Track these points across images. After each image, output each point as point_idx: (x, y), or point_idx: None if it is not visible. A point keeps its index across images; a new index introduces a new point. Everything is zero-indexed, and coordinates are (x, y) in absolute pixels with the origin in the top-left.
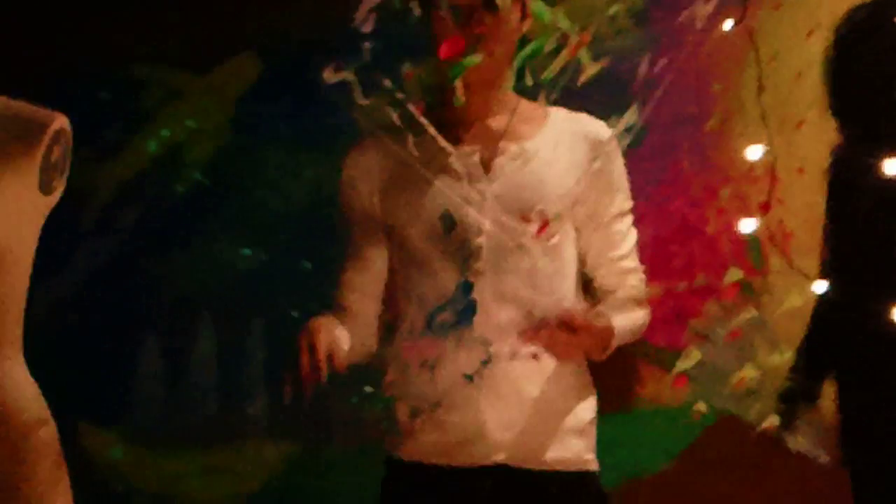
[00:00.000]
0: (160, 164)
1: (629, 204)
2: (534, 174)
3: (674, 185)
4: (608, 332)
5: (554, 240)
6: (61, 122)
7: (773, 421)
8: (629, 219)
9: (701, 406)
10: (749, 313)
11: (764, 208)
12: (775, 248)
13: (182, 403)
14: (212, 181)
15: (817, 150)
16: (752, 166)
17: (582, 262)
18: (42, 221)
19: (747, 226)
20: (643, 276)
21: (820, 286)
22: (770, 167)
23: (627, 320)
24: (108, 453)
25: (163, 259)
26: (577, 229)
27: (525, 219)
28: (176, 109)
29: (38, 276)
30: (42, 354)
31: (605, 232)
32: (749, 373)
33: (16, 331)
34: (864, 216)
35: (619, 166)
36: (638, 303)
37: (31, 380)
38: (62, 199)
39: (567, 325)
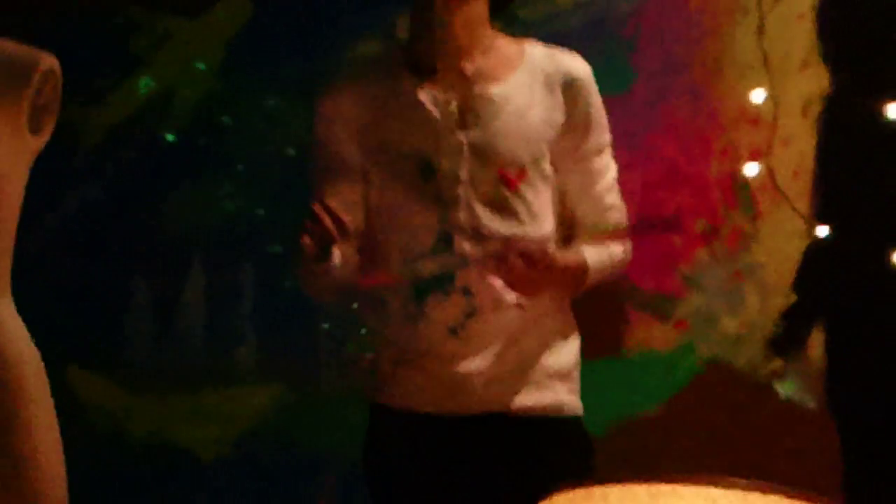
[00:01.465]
0: (150, 108)
1: (608, 139)
2: (510, 120)
3: (665, 132)
4: (581, 267)
5: (532, 185)
6: (51, 62)
7: (761, 366)
8: (608, 154)
9: (686, 349)
10: (739, 258)
11: (759, 154)
12: (776, 192)
13: (171, 347)
14: (202, 125)
15: (815, 94)
16: (745, 111)
17: (562, 199)
18: (31, 162)
19: (748, 170)
20: (624, 211)
21: (825, 231)
22: (766, 111)
23: (604, 255)
24: (96, 396)
25: (152, 202)
26: (555, 167)
27: (503, 165)
28: (166, 53)
29: (27, 217)
30: (31, 297)
31: (583, 168)
32: (739, 319)
33: (5, 272)
34: (856, 161)
35: (596, 102)
36: (618, 238)
37: (20, 321)
38: (52, 140)
39: (528, 259)
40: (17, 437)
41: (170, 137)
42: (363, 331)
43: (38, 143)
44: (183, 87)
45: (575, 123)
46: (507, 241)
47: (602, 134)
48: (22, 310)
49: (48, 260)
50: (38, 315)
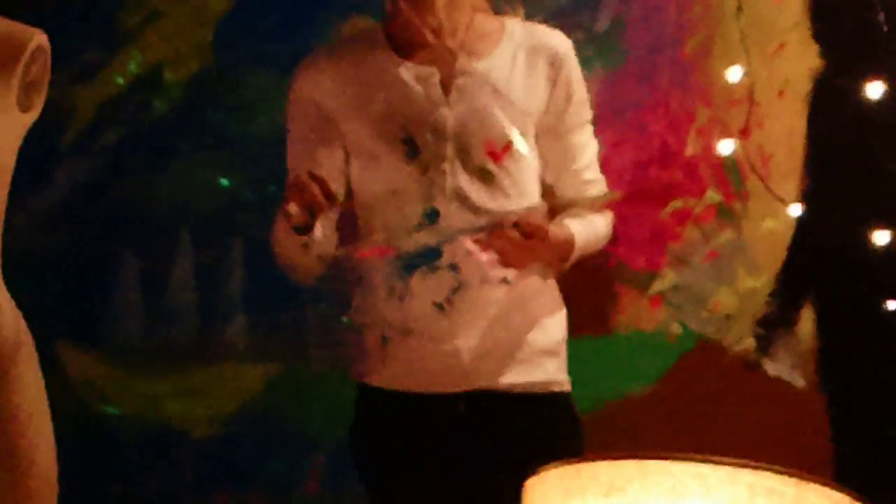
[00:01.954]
0: (140, 85)
1: (589, 115)
2: (493, 96)
3: (654, 110)
4: (568, 241)
5: (517, 159)
6: (40, 39)
7: (749, 345)
8: (589, 130)
9: (675, 328)
10: (727, 235)
11: (744, 133)
12: (754, 172)
13: (161, 324)
14: (192, 102)
15: (798, 74)
16: (731, 90)
17: (542, 173)
18: (20, 139)
19: (726, 148)
20: (604, 186)
21: (798, 210)
22: (749, 90)
23: (589, 229)
24: (86, 373)
25: (142, 180)
26: (537, 140)
27: (487, 139)
28: (156, 30)
29: (16, 195)
30: (20, 274)
31: (564, 144)
32: (727, 297)
33: None
34: (844, 141)
35: (577, 77)
36: (599, 213)
37: (9, 297)
38: (41, 118)
39: (520, 229)
40: (5, 414)
41: (160, 110)
42: (350, 310)
43: (27, 119)
44: (172, 65)
45: (557, 98)
46: (500, 214)
47: (583, 109)
48: (11, 286)
49: (38, 237)
50: (27, 291)
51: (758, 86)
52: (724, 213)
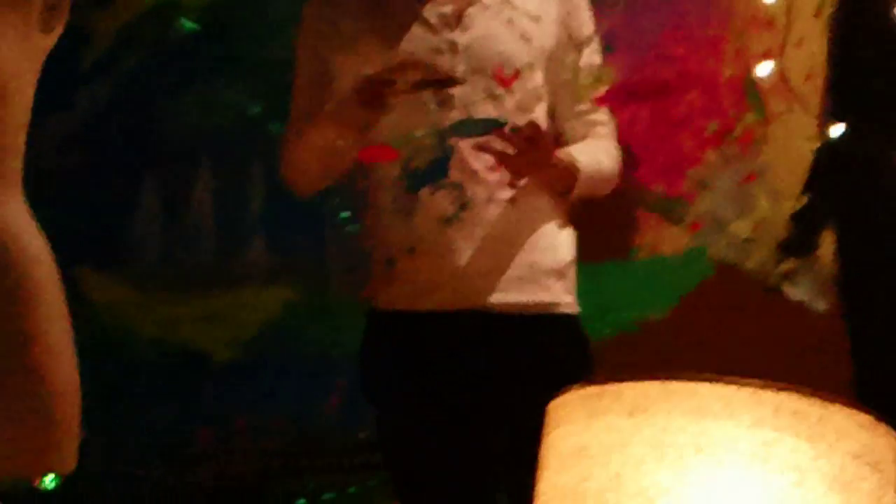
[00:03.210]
0: (160, 8)
1: (598, 59)
2: (505, 24)
3: (676, 33)
4: (571, 167)
5: (526, 88)
6: None
7: (770, 269)
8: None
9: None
10: (751, 160)
11: (767, 56)
12: (781, 94)
13: (181, 248)
14: (213, 25)
15: None
16: (756, 13)
17: (551, 114)
18: (41, 61)
19: (761, 70)
20: (613, 127)
21: (824, 132)
22: (783, 13)
23: (594, 163)
24: (106, 296)
25: (162, 103)
26: (546, 76)
27: (496, 69)
28: None
29: (37, 118)
30: (40, 197)
31: (591, 73)
32: (748, 222)
33: (16, 170)
34: (868, 61)
35: (586, 18)
36: (607, 154)
37: (32, 220)
38: (61, 41)
39: (522, 135)
40: (31, 340)
41: (188, 26)
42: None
43: (48, 42)
44: None
45: (568, 37)
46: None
47: (593, 52)
48: (31, 210)
49: (58, 160)
50: (48, 216)
51: (789, 7)
52: (747, 138)
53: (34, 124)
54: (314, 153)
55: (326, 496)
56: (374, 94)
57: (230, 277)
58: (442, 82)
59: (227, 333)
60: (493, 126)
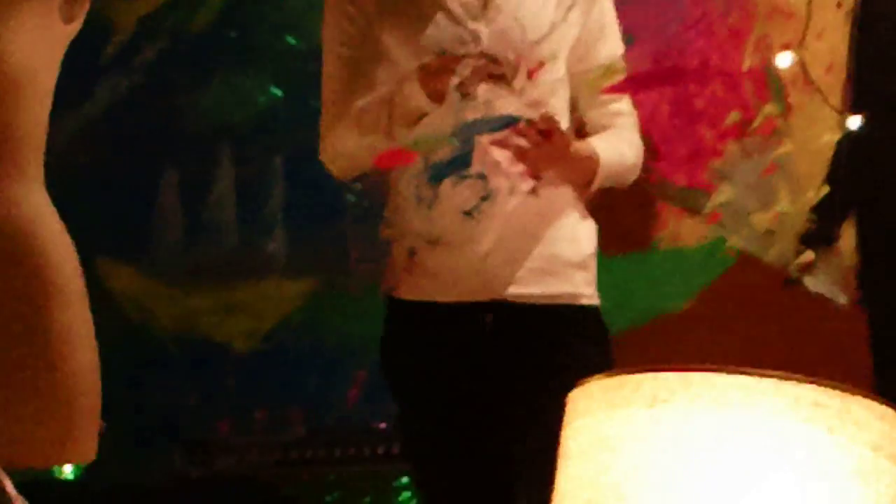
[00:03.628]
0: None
1: (621, 49)
2: (529, 14)
3: (697, 25)
4: (591, 158)
5: (549, 78)
6: None
7: (790, 261)
8: (621, 63)
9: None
10: (772, 151)
11: (788, 47)
12: (802, 85)
13: (202, 239)
14: (233, 16)
15: None
16: (777, 3)
17: (573, 105)
18: (63, 51)
19: (781, 61)
20: (635, 117)
21: (857, 122)
22: (804, 3)
23: (615, 154)
24: (127, 288)
25: (183, 94)
26: (569, 73)
27: (518, 58)
28: None
29: (58, 108)
30: (61, 188)
31: (602, 67)
32: (768, 214)
33: (38, 161)
34: (889, 52)
35: (609, 9)
36: (628, 144)
37: (54, 211)
38: (82, 31)
39: (538, 129)
40: (52, 330)
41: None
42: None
43: (69, 31)
44: None
45: (589, 29)
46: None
47: (615, 43)
48: (52, 201)
49: (79, 151)
50: (69, 206)
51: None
52: (768, 129)
53: (55, 116)
54: (359, 147)
55: (344, 489)
56: (438, 84)
57: (250, 269)
58: (498, 77)
59: (248, 325)
60: (508, 123)
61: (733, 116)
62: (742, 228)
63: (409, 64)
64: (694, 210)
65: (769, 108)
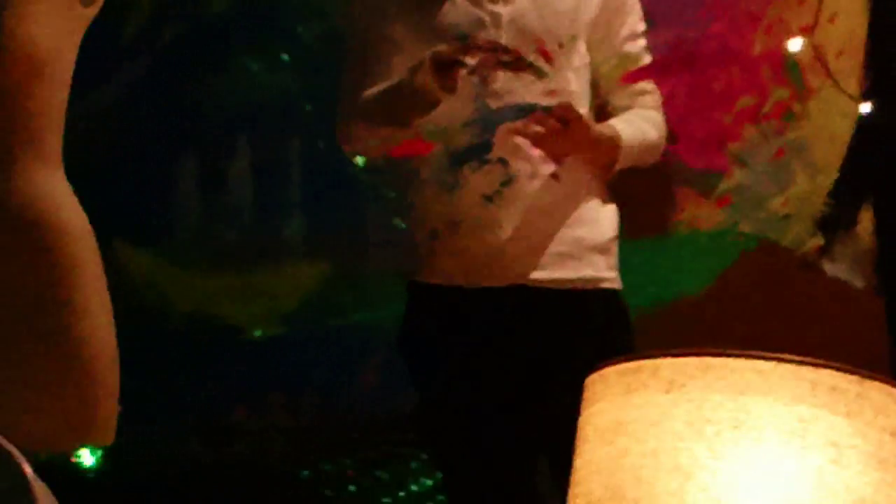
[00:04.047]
0: None
1: (642, 27)
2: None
3: (714, 9)
4: (613, 139)
5: (570, 62)
6: None
7: (814, 244)
8: (642, 41)
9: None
10: (789, 135)
11: (804, 31)
12: (819, 69)
13: (219, 223)
14: (250, 2)
15: None
16: None
17: (595, 86)
18: (81, 34)
19: (792, 46)
20: (658, 96)
21: (867, 107)
22: None
23: (638, 134)
24: (143, 272)
25: (201, 78)
26: (590, 49)
27: (540, 39)
28: None
29: (76, 92)
30: (80, 171)
31: (617, 55)
32: (786, 198)
33: (55, 146)
34: None
35: None
36: (652, 123)
37: (73, 195)
38: (101, 14)
39: (558, 116)
40: (70, 313)
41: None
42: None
43: (89, 14)
44: None
45: (610, 9)
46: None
47: (636, 21)
48: (70, 183)
49: (97, 134)
50: (87, 189)
51: None
52: (787, 114)
53: (73, 99)
54: (374, 136)
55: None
56: (449, 73)
57: (268, 252)
58: (513, 64)
59: (265, 309)
60: (527, 111)
61: (745, 100)
62: (758, 212)
63: (421, 51)
64: (711, 195)
65: (781, 92)
